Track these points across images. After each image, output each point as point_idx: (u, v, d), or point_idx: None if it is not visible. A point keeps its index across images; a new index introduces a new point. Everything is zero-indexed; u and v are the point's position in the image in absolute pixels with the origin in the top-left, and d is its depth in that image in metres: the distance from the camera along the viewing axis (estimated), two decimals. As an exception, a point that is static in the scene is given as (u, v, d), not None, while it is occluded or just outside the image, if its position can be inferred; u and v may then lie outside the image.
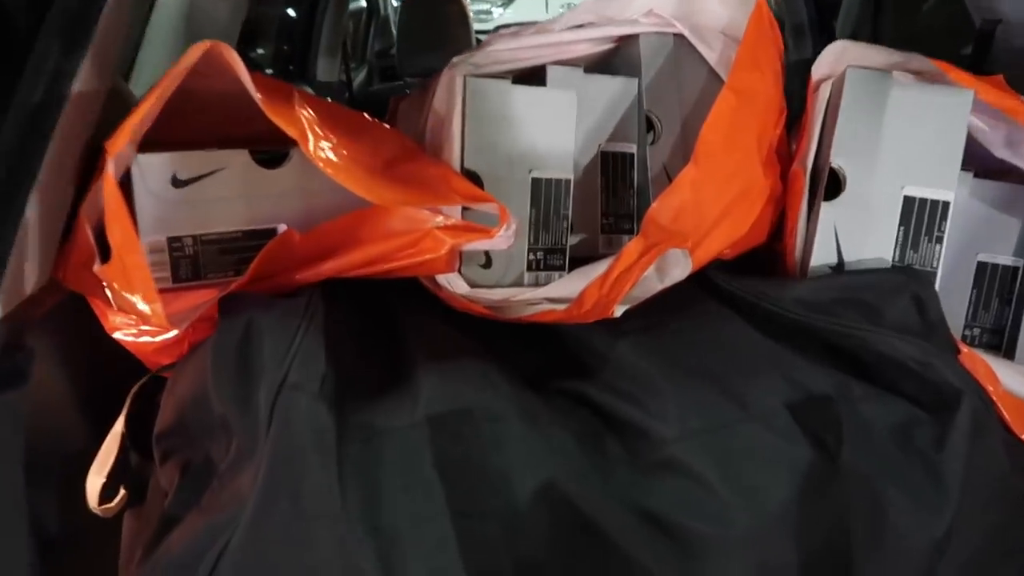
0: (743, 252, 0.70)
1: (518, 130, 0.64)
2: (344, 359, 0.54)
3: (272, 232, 0.62)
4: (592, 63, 0.74)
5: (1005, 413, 0.58)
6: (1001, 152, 0.68)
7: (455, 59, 0.66)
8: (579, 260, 0.69)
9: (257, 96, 0.54)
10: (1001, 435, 0.55)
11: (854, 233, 0.64)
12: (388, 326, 0.63)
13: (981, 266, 0.68)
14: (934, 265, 0.63)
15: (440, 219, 0.57)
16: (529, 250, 0.65)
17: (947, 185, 0.63)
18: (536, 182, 0.65)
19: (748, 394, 0.55)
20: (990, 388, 0.59)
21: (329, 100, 0.56)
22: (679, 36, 0.73)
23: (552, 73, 0.69)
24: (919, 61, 0.66)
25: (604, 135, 0.72)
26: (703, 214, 0.64)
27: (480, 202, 0.57)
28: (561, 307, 0.60)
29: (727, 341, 0.61)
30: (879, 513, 0.50)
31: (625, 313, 0.62)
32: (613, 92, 0.72)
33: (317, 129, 0.55)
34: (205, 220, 0.61)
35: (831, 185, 0.65)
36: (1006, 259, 0.68)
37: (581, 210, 0.71)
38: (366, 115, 0.64)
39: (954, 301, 0.67)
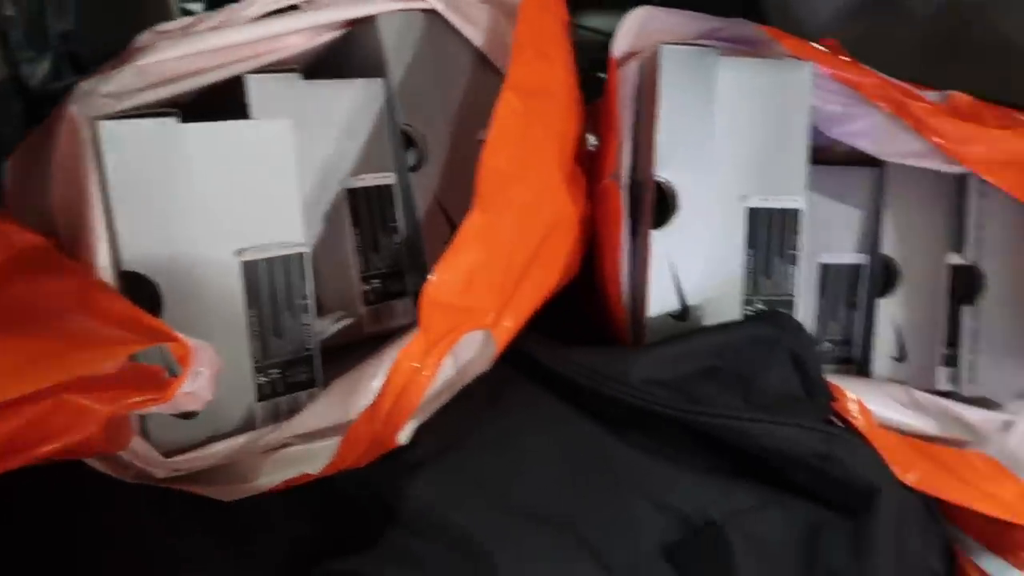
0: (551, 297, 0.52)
1: (200, 195, 0.40)
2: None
3: None
4: (312, 63, 0.51)
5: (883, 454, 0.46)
6: (836, 131, 0.55)
7: (78, 88, 0.40)
8: (337, 351, 0.48)
9: None
10: (919, 521, 0.44)
11: (694, 266, 0.49)
12: (52, 539, 0.39)
13: (824, 269, 0.56)
14: (790, 291, 0.50)
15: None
16: (256, 369, 0.43)
17: (795, 188, 0.50)
18: (249, 267, 0.42)
19: (609, 544, 0.39)
20: (860, 422, 0.48)
21: None
22: (430, 12, 0.53)
23: (255, 88, 0.46)
24: (739, 26, 0.51)
25: (346, 166, 0.51)
26: (503, 273, 0.45)
27: (149, 341, 0.33)
28: (314, 465, 0.39)
29: (565, 453, 0.43)
30: None
31: (416, 429, 0.43)
32: (351, 103, 0.50)
33: None
34: None
35: (658, 206, 0.49)
36: (848, 256, 0.56)
37: (330, 279, 0.49)
38: None
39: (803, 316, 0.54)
